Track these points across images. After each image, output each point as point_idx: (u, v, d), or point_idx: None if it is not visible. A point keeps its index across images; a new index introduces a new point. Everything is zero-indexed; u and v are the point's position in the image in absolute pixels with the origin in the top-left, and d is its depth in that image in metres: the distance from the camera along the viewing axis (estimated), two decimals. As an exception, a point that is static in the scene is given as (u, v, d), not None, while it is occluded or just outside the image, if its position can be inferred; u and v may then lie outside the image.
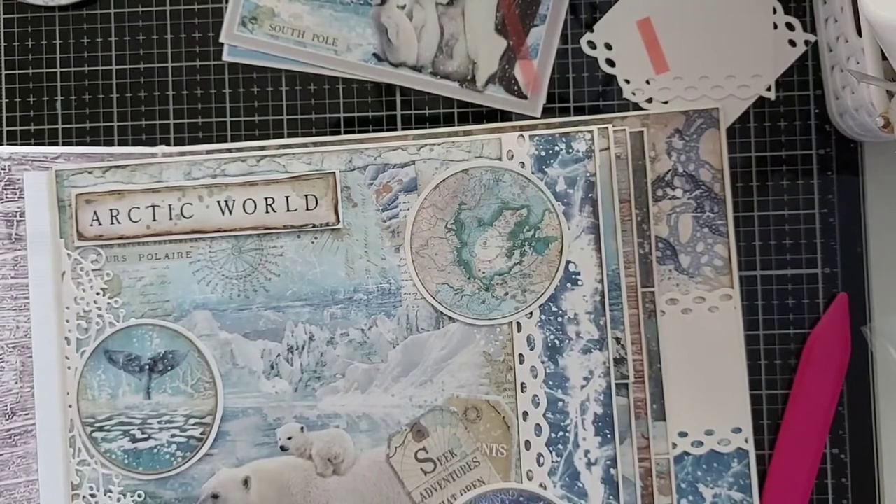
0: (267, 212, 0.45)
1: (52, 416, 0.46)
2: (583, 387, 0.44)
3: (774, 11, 0.46)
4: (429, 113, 0.49)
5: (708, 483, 0.45)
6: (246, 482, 0.45)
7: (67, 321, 0.46)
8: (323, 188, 0.45)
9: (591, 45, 0.47)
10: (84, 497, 0.46)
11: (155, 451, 0.45)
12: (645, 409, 0.45)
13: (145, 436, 0.45)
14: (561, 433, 0.44)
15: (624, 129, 0.45)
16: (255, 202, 0.45)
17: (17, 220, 0.46)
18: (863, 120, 0.42)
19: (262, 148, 0.48)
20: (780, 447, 0.46)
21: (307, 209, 0.45)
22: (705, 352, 0.45)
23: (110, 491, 0.45)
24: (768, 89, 0.47)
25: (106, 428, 0.46)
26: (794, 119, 0.47)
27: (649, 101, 0.47)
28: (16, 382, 0.46)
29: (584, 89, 0.48)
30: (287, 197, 0.45)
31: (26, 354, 0.46)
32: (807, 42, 0.47)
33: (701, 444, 0.45)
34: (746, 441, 0.45)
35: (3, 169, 0.46)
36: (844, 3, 0.41)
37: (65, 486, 0.46)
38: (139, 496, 0.45)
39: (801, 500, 0.46)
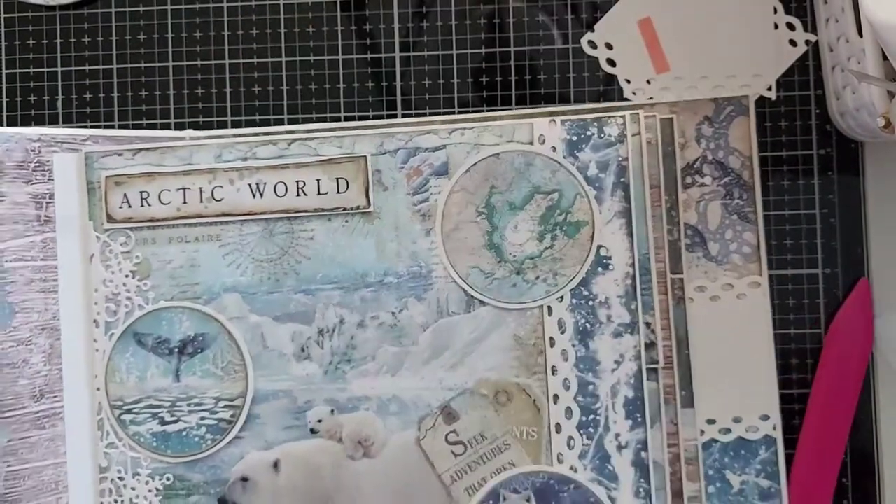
0: (298, 195, 0.46)
1: (81, 398, 0.46)
2: (613, 370, 0.45)
3: (775, 11, 0.47)
4: (429, 113, 0.50)
5: (735, 470, 0.47)
6: (276, 465, 0.46)
7: (96, 304, 0.46)
8: (354, 171, 0.45)
9: (592, 44, 0.49)
10: (112, 480, 0.46)
11: (184, 433, 0.46)
12: (674, 394, 0.46)
13: (174, 418, 0.46)
14: (591, 416, 0.44)
15: (654, 116, 0.46)
16: (286, 185, 0.46)
17: (47, 202, 0.47)
18: (863, 120, 0.42)
19: (291, 132, 0.48)
20: (806, 433, 0.47)
21: (338, 192, 0.46)
22: (733, 339, 0.46)
23: (138, 474, 0.46)
24: (769, 89, 0.48)
25: (134, 411, 0.46)
26: (794, 119, 0.48)
27: (650, 100, 0.48)
28: (44, 364, 0.46)
29: (584, 89, 0.49)
30: (318, 180, 0.46)
31: (55, 337, 0.46)
32: (807, 42, 0.48)
33: (729, 431, 0.46)
34: (774, 428, 0.46)
35: (32, 150, 0.46)
36: (845, 3, 0.42)
37: (93, 469, 0.46)
38: (168, 479, 0.46)
39: (827, 489, 0.46)
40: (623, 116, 0.45)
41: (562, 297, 0.45)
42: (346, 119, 0.50)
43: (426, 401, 0.46)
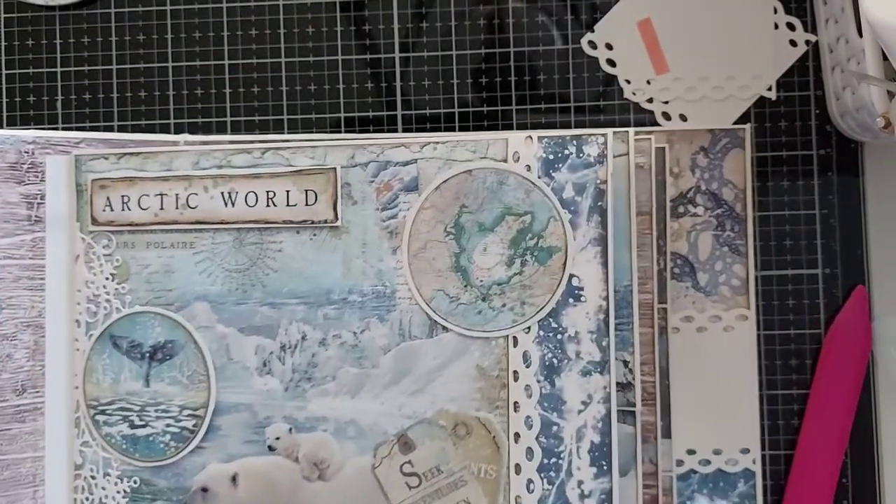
0: (268, 205, 0.45)
1: (60, 395, 0.47)
2: (580, 412, 0.41)
3: (775, 11, 0.47)
4: (429, 113, 0.48)
5: (713, 501, 0.45)
6: (234, 479, 0.45)
7: (78, 304, 0.47)
8: (323, 184, 0.44)
9: (592, 45, 0.48)
10: (85, 478, 0.47)
11: (151, 438, 0.46)
12: (654, 432, 0.42)
13: (143, 423, 0.46)
14: (554, 460, 0.41)
15: (649, 139, 0.42)
16: (256, 195, 0.45)
17: (38, 203, 0.48)
18: (863, 120, 0.42)
19: (286, 140, 0.47)
20: (804, 438, 0.46)
21: (306, 205, 0.44)
22: (718, 371, 0.46)
23: (109, 474, 0.46)
24: (769, 89, 0.47)
25: (108, 412, 0.47)
26: (794, 119, 0.47)
27: (650, 101, 0.47)
28: (27, 360, 0.47)
29: (584, 89, 0.48)
30: (288, 191, 0.44)
31: (39, 334, 0.47)
32: (807, 42, 0.47)
33: (708, 462, 0.46)
34: (754, 462, 0.46)
35: (26, 152, 0.48)
36: (845, 3, 0.42)
37: (68, 466, 0.47)
38: (135, 482, 0.46)
39: (828, 491, 0.46)
40: (604, 135, 0.41)
41: (528, 328, 0.42)
42: (347, 120, 0.49)
43: (383, 427, 0.44)
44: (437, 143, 0.43)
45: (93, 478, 0.47)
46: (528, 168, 0.42)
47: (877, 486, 0.47)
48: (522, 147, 0.42)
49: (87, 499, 0.47)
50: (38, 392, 0.48)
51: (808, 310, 0.47)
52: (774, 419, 0.46)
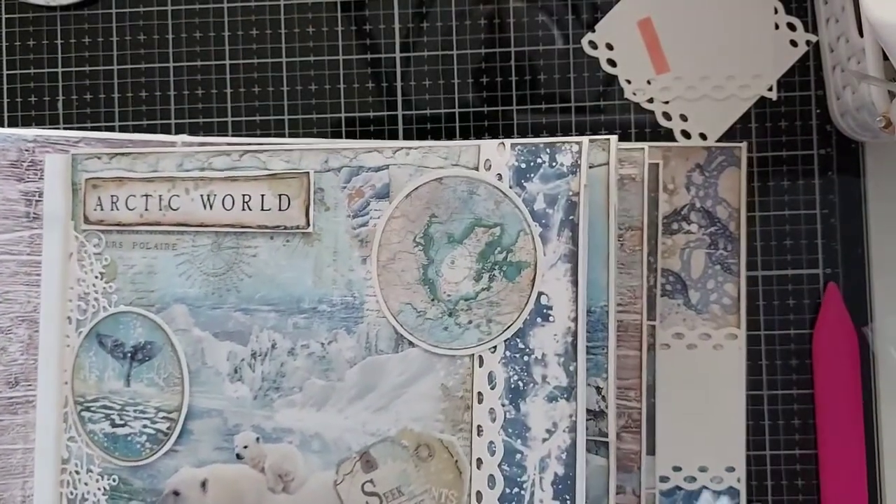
0: (243, 209, 0.44)
1: (51, 390, 0.48)
2: (544, 440, 0.38)
3: (776, 11, 0.47)
4: (430, 113, 0.47)
5: None
6: (203, 485, 0.44)
7: (70, 301, 0.48)
8: (297, 188, 0.43)
9: (592, 45, 0.47)
10: (70, 472, 0.47)
11: (129, 438, 0.46)
12: (638, 462, 0.39)
13: (123, 422, 0.46)
14: (516, 489, 0.38)
15: (642, 150, 0.39)
16: (233, 198, 0.44)
17: (36, 200, 0.48)
18: (864, 120, 0.42)
19: (282, 144, 0.46)
20: (823, 448, 0.46)
21: (280, 209, 0.43)
22: (706, 389, 0.46)
23: (91, 471, 0.47)
24: (769, 89, 0.47)
25: (93, 409, 0.47)
26: (795, 119, 0.47)
27: (650, 101, 0.46)
28: (21, 354, 0.48)
29: (584, 89, 0.47)
30: (262, 195, 0.43)
31: (34, 328, 0.48)
32: (808, 42, 0.47)
33: (694, 479, 0.46)
34: (739, 481, 0.46)
35: (26, 150, 0.48)
36: (846, 3, 0.42)
37: (55, 459, 0.48)
38: (114, 480, 0.46)
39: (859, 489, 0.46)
40: (579, 143, 0.38)
41: (495, 348, 0.39)
42: (347, 120, 0.49)
43: (347, 443, 0.42)
44: (410, 148, 0.41)
45: (77, 473, 0.48)
46: (500, 177, 0.39)
47: (877, 486, 0.46)
48: (495, 154, 0.39)
49: (71, 493, 0.48)
50: (30, 385, 0.49)
51: (809, 309, 0.47)
52: (775, 419, 0.46)
